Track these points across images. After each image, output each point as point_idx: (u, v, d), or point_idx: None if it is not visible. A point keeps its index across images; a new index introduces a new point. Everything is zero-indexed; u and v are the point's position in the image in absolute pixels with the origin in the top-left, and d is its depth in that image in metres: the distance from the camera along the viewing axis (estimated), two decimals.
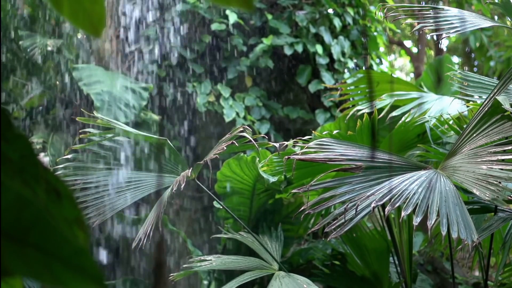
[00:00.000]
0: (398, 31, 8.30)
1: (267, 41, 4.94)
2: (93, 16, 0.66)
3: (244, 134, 2.69)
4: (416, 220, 2.00)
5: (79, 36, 4.76)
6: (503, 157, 2.13)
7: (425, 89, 3.98)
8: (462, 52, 9.50)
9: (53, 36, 4.61)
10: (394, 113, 3.23)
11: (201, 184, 2.92)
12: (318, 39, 5.18)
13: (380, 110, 3.27)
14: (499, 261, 2.93)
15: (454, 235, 1.97)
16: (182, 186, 2.57)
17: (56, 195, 0.55)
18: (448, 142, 2.85)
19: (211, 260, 2.88)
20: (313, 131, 3.05)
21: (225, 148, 2.65)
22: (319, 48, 5.08)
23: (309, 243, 3.88)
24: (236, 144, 2.68)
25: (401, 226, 2.83)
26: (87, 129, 2.92)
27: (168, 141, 2.96)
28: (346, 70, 5.34)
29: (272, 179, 3.08)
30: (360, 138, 2.77)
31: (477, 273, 5.05)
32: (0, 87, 4.56)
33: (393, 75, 5.35)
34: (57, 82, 4.56)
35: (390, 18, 2.75)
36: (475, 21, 2.71)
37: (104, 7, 0.66)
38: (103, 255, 4.10)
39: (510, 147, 2.14)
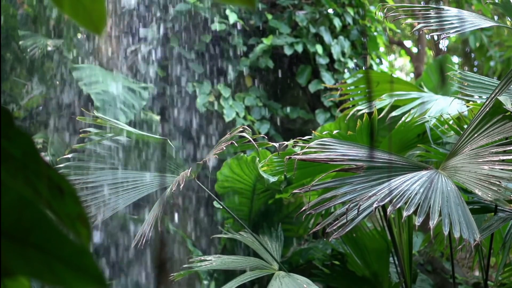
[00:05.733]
0: (398, 31, 8.30)
1: (267, 41, 4.94)
2: (93, 14, 0.66)
3: (244, 134, 2.69)
4: (419, 221, 2.00)
5: (79, 36, 4.76)
6: (504, 158, 2.12)
7: (425, 89, 3.98)
8: (462, 52, 9.51)
9: (53, 36, 4.61)
10: (394, 113, 3.23)
11: (201, 184, 2.91)
12: (318, 39, 5.18)
13: (380, 110, 3.26)
14: (499, 261, 2.93)
15: (457, 235, 1.97)
16: (182, 186, 2.57)
17: (58, 192, 0.55)
18: (448, 142, 2.85)
19: (211, 260, 2.88)
20: (313, 131, 3.04)
21: (224, 148, 2.64)
22: (319, 48, 5.07)
23: (309, 243, 3.88)
24: (236, 144, 2.68)
25: (401, 226, 2.83)
26: (87, 129, 2.92)
27: (168, 141, 2.95)
28: (346, 70, 5.34)
29: (272, 179, 3.08)
30: (360, 138, 2.77)
31: (477, 273, 5.05)
32: (0, 87, 4.56)
33: (393, 75, 5.35)
34: (57, 82, 4.56)
35: (390, 18, 2.75)
36: (475, 21, 2.71)
37: (104, 5, 0.66)
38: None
39: (511, 147, 2.14)
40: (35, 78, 4.58)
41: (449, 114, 2.88)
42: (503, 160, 2.11)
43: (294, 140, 2.92)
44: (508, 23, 3.42)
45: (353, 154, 2.45)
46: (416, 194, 2.09)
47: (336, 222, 2.20)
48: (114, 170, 2.89)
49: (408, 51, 10.14)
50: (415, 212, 2.05)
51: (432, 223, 1.98)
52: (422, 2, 8.39)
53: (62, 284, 0.51)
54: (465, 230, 1.98)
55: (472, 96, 2.94)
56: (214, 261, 2.87)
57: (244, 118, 4.84)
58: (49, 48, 4.41)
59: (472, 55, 9.12)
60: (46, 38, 4.51)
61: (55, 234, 0.51)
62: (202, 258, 2.93)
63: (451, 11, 2.76)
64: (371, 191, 2.17)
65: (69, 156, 2.88)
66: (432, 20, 2.65)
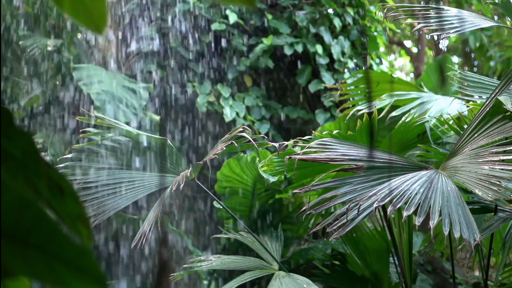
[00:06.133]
0: (398, 31, 8.30)
1: (267, 41, 4.94)
2: (94, 13, 0.65)
3: (244, 134, 2.69)
4: (419, 220, 2.00)
5: (79, 36, 4.76)
6: (504, 157, 2.12)
7: (425, 89, 3.98)
8: (462, 52, 9.50)
9: (53, 36, 4.61)
10: (394, 113, 3.23)
11: (201, 184, 2.91)
12: (318, 39, 5.18)
13: (380, 110, 3.26)
14: (499, 261, 2.93)
15: (457, 235, 1.97)
16: (182, 186, 2.57)
17: (59, 192, 0.55)
18: (448, 142, 2.85)
19: (211, 260, 2.88)
20: (313, 131, 3.04)
21: (224, 148, 2.64)
22: (319, 48, 5.07)
23: (309, 243, 3.87)
24: (236, 144, 2.67)
25: (401, 226, 2.83)
26: (87, 129, 2.92)
27: (168, 141, 2.95)
28: (346, 70, 5.34)
29: (272, 179, 3.08)
30: (360, 138, 2.77)
31: (477, 273, 5.05)
32: (0, 87, 4.56)
33: (393, 75, 5.35)
34: (57, 82, 4.56)
35: (390, 18, 2.74)
36: (475, 21, 2.71)
37: (105, 4, 0.66)
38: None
39: (511, 147, 2.14)
40: (35, 78, 4.58)
41: (449, 114, 2.88)
42: (503, 160, 2.11)
43: (294, 140, 2.92)
44: (508, 23, 3.42)
45: (353, 154, 2.44)
46: (416, 194, 2.09)
47: (336, 222, 2.20)
48: (114, 170, 2.89)
49: (408, 51, 10.13)
50: (415, 212, 2.05)
51: (432, 223, 1.98)
52: (422, 2, 8.39)
53: (62, 285, 0.51)
54: (465, 230, 1.98)
55: (472, 96, 2.94)
56: (214, 261, 2.87)
57: (244, 118, 4.84)
58: (49, 48, 4.41)
59: (472, 55, 9.11)
60: (46, 38, 4.51)
61: (56, 235, 0.51)
62: (202, 258, 2.93)
63: (451, 11, 2.76)
64: (371, 191, 2.17)
65: (69, 156, 2.88)
66: (432, 20, 2.65)
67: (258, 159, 3.19)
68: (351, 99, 3.84)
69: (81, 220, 0.55)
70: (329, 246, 3.45)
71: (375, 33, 5.79)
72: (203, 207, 4.79)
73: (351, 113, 3.30)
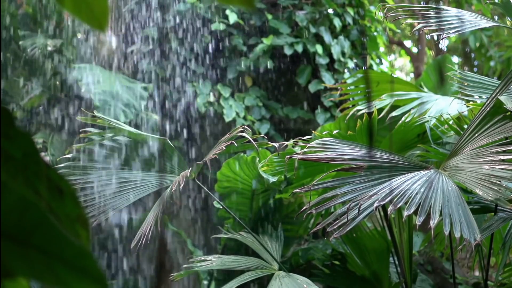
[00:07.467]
0: (398, 31, 8.30)
1: (267, 41, 4.94)
2: (96, 10, 0.65)
3: (244, 134, 2.69)
4: (419, 220, 2.00)
5: (79, 36, 4.75)
6: (505, 157, 2.12)
7: (425, 89, 3.97)
8: (462, 52, 9.50)
9: (53, 36, 4.61)
10: (394, 113, 3.22)
11: (201, 184, 2.91)
12: (318, 39, 5.17)
13: (380, 110, 3.26)
14: (499, 261, 2.93)
15: (457, 235, 1.97)
16: (182, 186, 2.56)
17: (58, 193, 0.54)
18: (448, 142, 2.85)
19: (211, 260, 2.88)
20: (313, 131, 3.04)
21: (224, 148, 2.64)
22: (319, 48, 5.07)
23: (309, 243, 3.87)
24: (236, 144, 2.67)
25: (401, 226, 2.83)
26: (87, 129, 2.92)
27: (168, 141, 2.95)
28: (346, 70, 5.33)
29: (272, 179, 3.07)
30: (360, 138, 2.77)
31: (477, 273, 5.05)
32: (0, 87, 4.56)
33: (393, 75, 5.35)
34: (57, 82, 4.56)
35: (390, 18, 2.74)
36: (475, 21, 2.71)
37: (107, 1, 0.65)
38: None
39: (511, 147, 2.14)
40: (35, 78, 4.58)
41: (449, 114, 2.88)
42: (503, 160, 2.11)
43: (294, 140, 2.92)
44: (508, 23, 3.42)
45: (353, 153, 2.44)
46: (416, 193, 2.09)
47: (336, 221, 2.19)
48: (114, 170, 2.89)
49: (408, 51, 10.13)
50: (415, 212, 2.05)
51: (432, 223, 1.98)
52: (422, 2, 8.39)
53: (63, 286, 0.51)
54: (466, 230, 1.98)
55: (472, 96, 2.94)
56: (214, 261, 2.87)
57: (244, 118, 4.84)
58: (49, 48, 4.41)
59: (472, 55, 9.11)
60: (46, 38, 4.51)
61: (57, 236, 0.51)
62: (202, 258, 2.93)
63: (451, 11, 2.76)
64: (371, 191, 2.17)
65: (69, 156, 2.88)
66: (432, 20, 2.65)
67: (258, 159, 3.19)
68: (351, 99, 3.83)
69: (80, 222, 0.55)
70: (329, 246, 3.45)
71: (375, 33, 5.79)
72: (203, 207, 4.79)
73: (351, 113, 3.30)
